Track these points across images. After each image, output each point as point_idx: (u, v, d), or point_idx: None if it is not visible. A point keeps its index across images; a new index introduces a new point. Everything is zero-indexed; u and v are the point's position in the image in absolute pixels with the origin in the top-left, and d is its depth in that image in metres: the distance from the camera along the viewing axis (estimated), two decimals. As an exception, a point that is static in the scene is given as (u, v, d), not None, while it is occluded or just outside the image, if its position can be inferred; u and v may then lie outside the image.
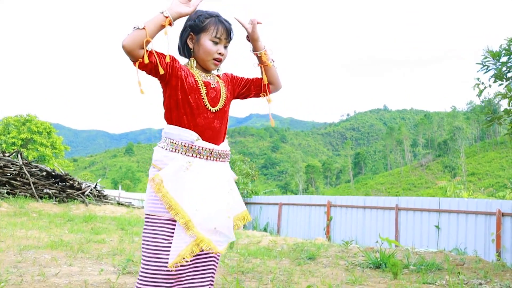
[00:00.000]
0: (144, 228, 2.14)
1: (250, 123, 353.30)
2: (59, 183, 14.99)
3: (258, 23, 2.30)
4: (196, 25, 2.23)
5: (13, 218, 10.91)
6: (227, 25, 2.26)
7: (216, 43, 2.22)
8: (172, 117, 2.19)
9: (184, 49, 2.30)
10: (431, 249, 7.34)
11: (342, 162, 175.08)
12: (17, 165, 13.91)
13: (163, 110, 2.24)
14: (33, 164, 14.73)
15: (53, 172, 14.90)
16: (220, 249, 2.15)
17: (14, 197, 13.32)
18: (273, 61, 2.41)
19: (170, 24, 2.03)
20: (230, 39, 2.29)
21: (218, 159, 2.23)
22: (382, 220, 12.77)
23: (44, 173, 14.70)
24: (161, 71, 2.07)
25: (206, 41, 2.21)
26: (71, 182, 15.04)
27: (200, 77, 2.24)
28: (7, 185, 13.58)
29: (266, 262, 6.13)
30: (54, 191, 14.38)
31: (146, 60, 2.00)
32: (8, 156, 14.38)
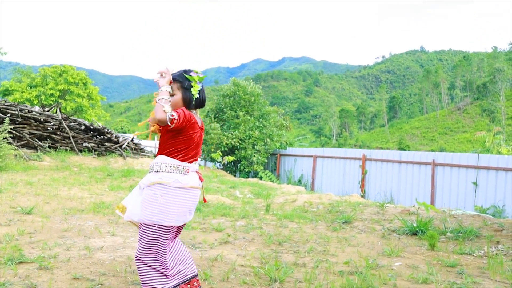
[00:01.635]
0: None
1: (283, 67, 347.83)
2: (97, 136, 15.31)
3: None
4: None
5: (56, 172, 11.32)
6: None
7: None
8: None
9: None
10: (468, 212, 7.25)
11: (377, 106, 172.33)
12: (57, 119, 14.24)
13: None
14: (71, 118, 15.05)
15: (91, 125, 15.20)
16: None
17: (55, 151, 13.76)
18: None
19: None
20: None
21: None
22: (418, 175, 12.58)
23: (83, 127, 15.02)
24: None
25: None
26: (108, 135, 15.32)
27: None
28: (48, 139, 13.99)
29: (302, 227, 6.20)
30: (93, 144, 14.75)
31: None
32: (48, 111, 14.70)
